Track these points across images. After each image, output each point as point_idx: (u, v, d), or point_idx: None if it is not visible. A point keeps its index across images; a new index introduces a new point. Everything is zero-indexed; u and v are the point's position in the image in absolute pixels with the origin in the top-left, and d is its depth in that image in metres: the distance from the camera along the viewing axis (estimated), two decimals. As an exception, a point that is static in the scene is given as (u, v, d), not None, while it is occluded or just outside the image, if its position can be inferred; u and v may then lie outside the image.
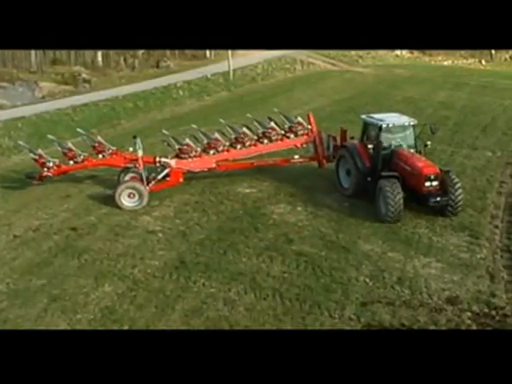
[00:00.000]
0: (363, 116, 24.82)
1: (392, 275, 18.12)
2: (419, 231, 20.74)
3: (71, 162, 25.33)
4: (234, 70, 55.55)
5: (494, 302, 16.63)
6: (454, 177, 22.09)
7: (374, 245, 20.02)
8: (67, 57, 59.59)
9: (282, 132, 26.54)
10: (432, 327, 15.43)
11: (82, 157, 25.18)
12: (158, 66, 62.06)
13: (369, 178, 23.20)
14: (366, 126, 24.35)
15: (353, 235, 20.75)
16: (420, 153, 23.27)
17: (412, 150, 23.23)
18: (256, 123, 27.09)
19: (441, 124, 34.37)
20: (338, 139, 25.97)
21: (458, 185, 21.80)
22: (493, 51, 75.35)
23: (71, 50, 58.21)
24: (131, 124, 39.34)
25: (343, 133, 25.88)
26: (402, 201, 21.20)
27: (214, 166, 25.58)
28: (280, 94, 48.29)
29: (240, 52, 60.45)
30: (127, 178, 24.83)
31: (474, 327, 15.36)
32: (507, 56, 77.35)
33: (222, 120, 27.94)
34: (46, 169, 25.07)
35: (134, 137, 24.54)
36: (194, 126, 27.35)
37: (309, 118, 26.87)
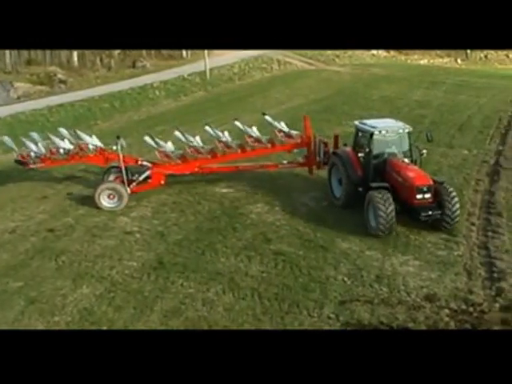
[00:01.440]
0: (356, 122, 23.72)
1: (370, 273, 18.19)
2: (397, 229, 20.79)
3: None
4: (211, 70, 55.51)
5: (472, 298, 16.75)
6: (449, 188, 20.99)
7: (352, 243, 20.08)
8: (42, 57, 59.18)
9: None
10: (411, 325, 15.50)
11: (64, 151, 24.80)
12: (134, 66, 61.85)
13: (360, 189, 21.88)
14: (359, 132, 23.16)
15: (331, 234, 20.79)
16: (415, 162, 22.14)
17: (406, 159, 21.91)
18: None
19: (417, 123, 34.66)
20: (332, 144, 24.87)
21: (454, 196, 20.68)
22: (468, 50, 75.90)
23: (46, 50, 57.77)
24: (107, 124, 39.17)
25: (335, 138, 25.01)
26: (394, 213, 20.08)
27: (197, 169, 25.29)
28: (257, 94, 48.35)
29: (216, 51, 60.36)
30: (111, 178, 24.69)
31: (452, 324, 15.45)
32: (482, 55, 77.94)
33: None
34: (32, 162, 24.83)
35: (118, 137, 24.40)
36: (177, 132, 26.45)
37: (304, 122, 25.53)
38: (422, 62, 74.65)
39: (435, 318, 15.82)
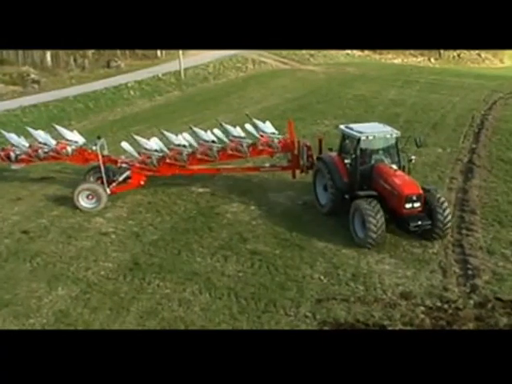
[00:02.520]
0: (341, 126, 22.62)
1: (346, 272, 18.28)
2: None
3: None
4: (186, 70, 55.35)
5: (447, 295, 16.93)
6: (439, 196, 20.37)
7: (328, 242, 20.14)
8: (15, 57, 58.59)
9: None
10: (386, 322, 15.62)
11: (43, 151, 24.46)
12: (108, 66, 61.45)
13: (346, 196, 20.98)
14: (345, 137, 22.15)
15: (307, 233, 20.85)
16: (404, 168, 21.37)
17: (394, 166, 21.01)
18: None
19: (392, 121, 34.75)
20: (315, 147, 24.14)
21: (445, 204, 20.07)
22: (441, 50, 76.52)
23: (19, 50, 57.24)
24: (82, 125, 38.87)
25: (319, 142, 24.28)
26: (384, 225, 19.35)
27: (178, 171, 24.69)
28: (232, 93, 48.34)
29: (191, 51, 60.21)
30: (92, 178, 24.49)
31: (428, 321, 15.60)
32: (455, 54, 78.60)
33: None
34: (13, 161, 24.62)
35: (99, 137, 24.20)
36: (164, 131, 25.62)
37: (289, 127, 24.56)
38: (395, 61, 75.15)
39: (411, 315, 15.96)
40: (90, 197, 23.21)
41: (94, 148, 23.94)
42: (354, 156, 21.04)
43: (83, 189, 23.22)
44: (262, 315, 16.12)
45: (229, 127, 24.89)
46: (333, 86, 51.50)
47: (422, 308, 16.30)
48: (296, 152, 24.41)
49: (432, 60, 76.77)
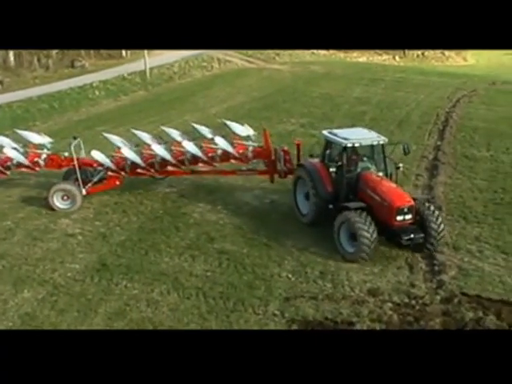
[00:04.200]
0: (325, 132, 21.39)
1: (314, 270, 18.36)
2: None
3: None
4: (151, 69, 55.08)
5: (414, 291, 17.12)
6: (431, 206, 19.72)
7: (296, 240, 20.19)
8: (-24, 57, 57.90)
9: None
10: (355, 319, 15.72)
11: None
12: (72, 66, 60.87)
13: (331, 206, 19.98)
14: (328, 143, 20.98)
15: (274, 232, 20.89)
16: (391, 176, 20.49)
17: (381, 174, 20.22)
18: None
19: (357, 119, 35.12)
20: (292, 152, 23.26)
21: (438, 215, 19.40)
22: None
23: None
24: (47, 125, 38.47)
25: (297, 147, 23.14)
26: (377, 237, 18.51)
27: (152, 171, 24.16)
28: (198, 92, 48.21)
29: (156, 51, 59.91)
30: (71, 179, 24.02)
31: (395, 317, 15.74)
32: (419, 52, 79.19)
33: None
34: None
35: (74, 137, 23.94)
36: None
37: (264, 135, 23.57)
38: (360, 59, 75.40)
39: (379, 311, 16.10)
40: (65, 197, 22.98)
41: (71, 147, 23.50)
42: (339, 164, 19.91)
43: (58, 189, 22.99)
44: (231, 314, 16.13)
45: (201, 129, 24.12)
46: (299, 84, 51.60)
47: (390, 304, 16.45)
48: (273, 157, 23.43)
49: (397, 58, 77.25)
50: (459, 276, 17.89)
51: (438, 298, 16.75)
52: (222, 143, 23.18)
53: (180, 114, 38.20)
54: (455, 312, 15.90)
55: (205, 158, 23.27)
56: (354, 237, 18.69)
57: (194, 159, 23.42)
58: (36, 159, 24.00)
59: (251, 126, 24.27)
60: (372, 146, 20.56)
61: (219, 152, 23.24)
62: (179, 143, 23.56)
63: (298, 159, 22.95)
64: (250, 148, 23.47)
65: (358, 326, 15.40)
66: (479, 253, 19.31)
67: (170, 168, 23.84)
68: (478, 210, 22.74)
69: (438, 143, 31.99)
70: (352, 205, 19.10)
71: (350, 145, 19.87)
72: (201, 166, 24.00)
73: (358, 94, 46.78)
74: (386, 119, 37.18)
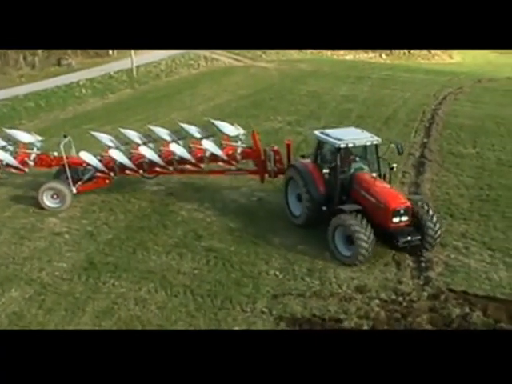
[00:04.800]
0: (316, 132, 20.95)
1: (302, 267, 18.40)
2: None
3: None
4: (138, 67, 54.92)
5: (401, 288, 17.21)
6: (426, 206, 19.33)
7: (284, 238, 20.24)
8: (-39, 55, 57.51)
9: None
10: (342, 316, 15.78)
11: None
12: (59, 64, 60.53)
13: (324, 207, 19.77)
14: (321, 144, 20.59)
15: (262, 229, 20.93)
16: (384, 177, 20.25)
17: (374, 174, 19.88)
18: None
19: (344, 117, 35.22)
20: (282, 151, 22.91)
21: (433, 213, 19.08)
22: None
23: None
24: (33, 124, 38.29)
25: (287, 147, 22.90)
26: (374, 240, 18.21)
27: (141, 172, 23.95)
28: (185, 91, 48.16)
29: (143, 49, 59.81)
30: (61, 178, 23.84)
31: (383, 314, 15.81)
32: (406, 50, 79.36)
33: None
34: None
35: (65, 136, 23.83)
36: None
37: (253, 137, 23.24)
38: (347, 57, 75.51)
39: (366, 308, 16.18)
40: (55, 196, 22.90)
41: (61, 146, 23.37)
42: (333, 165, 19.64)
43: (47, 188, 22.92)
44: (219, 312, 16.16)
45: (190, 129, 23.71)
46: (285, 82, 51.63)
47: (377, 301, 16.53)
48: (263, 158, 23.10)
49: (383, 56, 77.44)
50: (446, 272, 17.99)
51: (425, 294, 16.84)
52: (209, 147, 22.81)
53: (167, 112, 38.12)
54: (442, 308, 16.02)
55: (193, 161, 23.03)
56: (349, 240, 18.44)
57: (183, 161, 23.22)
58: (25, 159, 23.89)
59: (238, 124, 24.15)
60: (365, 147, 20.24)
61: (208, 154, 22.89)
62: (168, 143, 23.34)
63: (289, 159, 22.71)
64: (239, 150, 23.17)
65: (345, 323, 15.49)
66: (465, 249, 19.43)
67: (158, 169, 23.70)
68: (464, 206, 22.88)
69: (425, 140, 32.11)
70: (347, 207, 18.77)
71: (343, 145, 19.46)
72: (189, 168, 23.80)
73: (345, 92, 46.86)
74: (373, 117, 37.24)
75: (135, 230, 21.17)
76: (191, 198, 23.88)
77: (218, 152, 22.76)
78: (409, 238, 18.37)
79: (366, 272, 18.06)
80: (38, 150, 24.31)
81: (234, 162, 23.26)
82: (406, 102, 43.08)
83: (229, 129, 23.58)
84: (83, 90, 48.48)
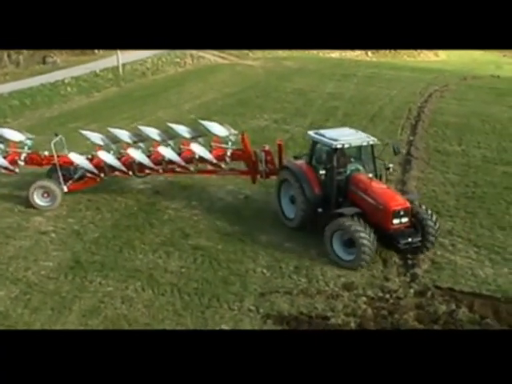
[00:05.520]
0: (311, 133, 20.58)
1: (289, 265, 18.41)
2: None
3: None
4: (124, 65, 54.73)
5: (388, 285, 17.27)
6: (423, 206, 19.29)
7: (271, 236, 20.25)
8: None
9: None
10: (329, 314, 15.81)
11: None
12: (44, 62, 60.29)
13: (320, 209, 19.41)
14: (315, 145, 20.16)
15: (249, 227, 20.92)
16: (380, 178, 20.02)
17: (370, 175, 19.46)
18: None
19: (330, 115, 35.29)
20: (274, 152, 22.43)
21: (431, 212, 19.01)
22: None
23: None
24: (18, 122, 38.07)
25: (279, 148, 22.39)
26: (376, 242, 17.93)
27: (131, 173, 23.59)
28: (171, 89, 48.11)
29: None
30: (53, 176, 23.61)
31: (370, 311, 15.86)
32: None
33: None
34: None
35: (56, 134, 23.65)
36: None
37: (242, 140, 22.62)
38: (333, 54, 75.64)
39: (353, 306, 16.22)
40: (46, 195, 22.77)
41: (52, 144, 23.14)
42: (329, 166, 19.24)
43: (38, 186, 22.78)
44: (206, 310, 16.14)
45: (179, 128, 23.14)
46: (271, 80, 51.69)
47: (364, 298, 16.57)
48: (253, 159, 22.72)
49: (369, 53, 77.67)
50: (432, 269, 18.07)
51: (412, 291, 16.91)
52: (198, 150, 22.30)
53: (153, 111, 38.03)
54: (428, 305, 16.08)
55: (182, 163, 22.66)
56: (349, 243, 18.14)
57: (172, 163, 22.87)
58: (16, 158, 23.56)
59: (225, 122, 23.96)
60: (361, 147, 19.97)
61: (197, 156, 22.39)
62: (158, 143, 23.06)
63: (280, 160, 22.37)
64: (229, 152, 22.59)
65: (332, 321, 15.53)
66: (452, 246, 19.51)
67: (148, 171, 23.47)
68: (450, 204, 22.99)
69: (411, 138, 32.21)
70: (347, 211, 18.38)
71: (339, 146, 19.02)
72: (179, 170, 23.41)
73: (331, 90, 46.96)
74: (359, 114, 37.32)
75: (122, 229, 21.10)
76: (178, 197, 23.84)
77: (207, 155, 22.40)
78: (410, 239, 18.18)
79: (352, 269, 18.09)
80: (29, 148, 23.86)
81: (223, 165, 22.84)
82: (391, 99, 43.22)
83: (218, 129, 22.90)
84: (69, 88, 48.27)
